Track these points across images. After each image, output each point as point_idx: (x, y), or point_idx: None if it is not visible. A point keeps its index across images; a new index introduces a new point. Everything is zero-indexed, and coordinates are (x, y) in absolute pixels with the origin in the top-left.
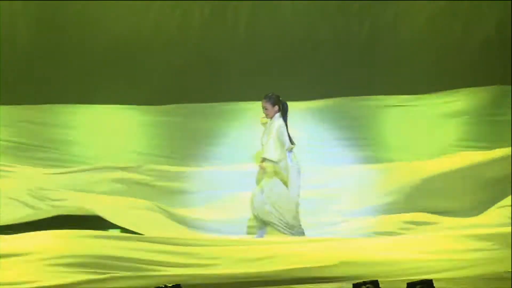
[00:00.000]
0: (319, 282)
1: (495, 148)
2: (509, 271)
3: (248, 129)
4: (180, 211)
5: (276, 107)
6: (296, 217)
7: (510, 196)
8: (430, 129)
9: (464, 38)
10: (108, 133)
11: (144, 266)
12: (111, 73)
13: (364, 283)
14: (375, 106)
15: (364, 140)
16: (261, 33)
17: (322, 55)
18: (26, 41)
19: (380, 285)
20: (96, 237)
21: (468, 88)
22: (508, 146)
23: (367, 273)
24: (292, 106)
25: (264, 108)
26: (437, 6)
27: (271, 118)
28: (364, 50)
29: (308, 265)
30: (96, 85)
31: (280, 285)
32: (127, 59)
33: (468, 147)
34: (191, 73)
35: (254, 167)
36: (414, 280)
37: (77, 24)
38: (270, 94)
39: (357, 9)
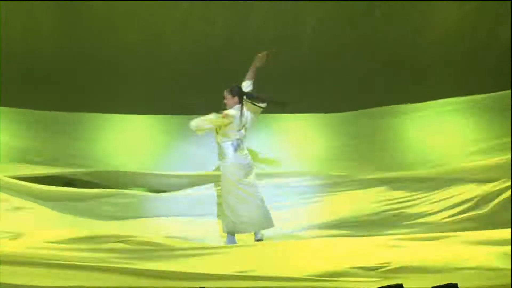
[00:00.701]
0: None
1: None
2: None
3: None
4: None
5: (236, 98)
6: None
7: (510, 201)
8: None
9: (491, 41)
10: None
11: None
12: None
13: (389, 287)
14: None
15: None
16: (282, 37)
17: (346, 60)
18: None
19: None
20: None
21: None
22: None
23: None
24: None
25: (225, 99)
26: (464, 8)
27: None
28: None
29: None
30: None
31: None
32: (148, 67)
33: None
34: (213, 81)
35: None
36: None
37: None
38: (233, 86)
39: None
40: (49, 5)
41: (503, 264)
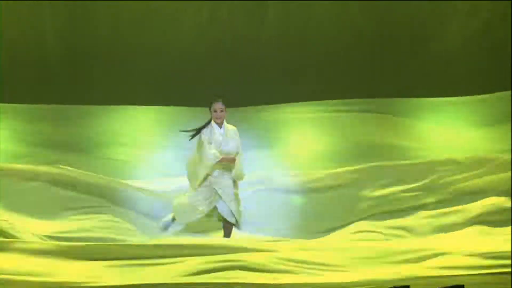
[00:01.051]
0: None
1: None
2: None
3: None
4: None
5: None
6: None
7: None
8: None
9: (491, 40)
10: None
11: None
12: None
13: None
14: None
15: None
16: (290, 31)
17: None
18: (53, 42)
19: None
20: None
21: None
22: None
23: None
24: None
25: (220, 111)
26: (464, 9)
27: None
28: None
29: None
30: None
31: None
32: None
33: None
34: (221, 76)
35: None
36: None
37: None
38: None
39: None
40: (55, 4)
41: None
